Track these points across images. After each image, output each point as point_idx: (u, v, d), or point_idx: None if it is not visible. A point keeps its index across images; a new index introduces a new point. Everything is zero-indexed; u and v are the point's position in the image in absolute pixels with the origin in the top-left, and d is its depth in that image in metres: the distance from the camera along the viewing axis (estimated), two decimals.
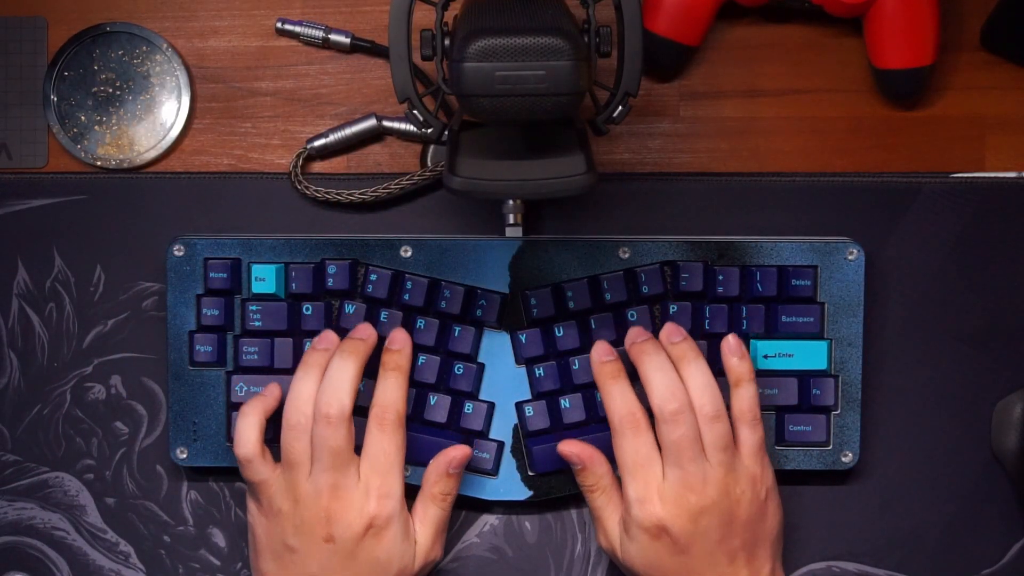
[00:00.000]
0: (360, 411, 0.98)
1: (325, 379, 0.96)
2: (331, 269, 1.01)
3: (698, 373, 0.96)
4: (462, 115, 0.96)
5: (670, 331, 0.99)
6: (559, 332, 1.02)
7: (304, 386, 0.96)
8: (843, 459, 1.02)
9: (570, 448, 0.98)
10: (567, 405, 1.02)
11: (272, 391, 0.99)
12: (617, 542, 0.97)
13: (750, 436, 0.96)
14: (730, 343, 0.98)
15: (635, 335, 0.99)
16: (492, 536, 1.05)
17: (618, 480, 0.98)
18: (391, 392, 0.97)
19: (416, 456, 1.01)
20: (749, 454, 0.96)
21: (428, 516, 0.98)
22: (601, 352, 0.98)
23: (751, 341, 1.02)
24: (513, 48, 0.84)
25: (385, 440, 0.95)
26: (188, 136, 1.06)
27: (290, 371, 1.02)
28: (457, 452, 0.98)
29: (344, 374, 0.96)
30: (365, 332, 0.99)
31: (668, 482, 0.95)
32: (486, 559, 1.05)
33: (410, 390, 1.01)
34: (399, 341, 0.99)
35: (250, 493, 0.98)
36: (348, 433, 0.95)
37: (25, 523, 1.05)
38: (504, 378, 1.03)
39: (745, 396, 0.97)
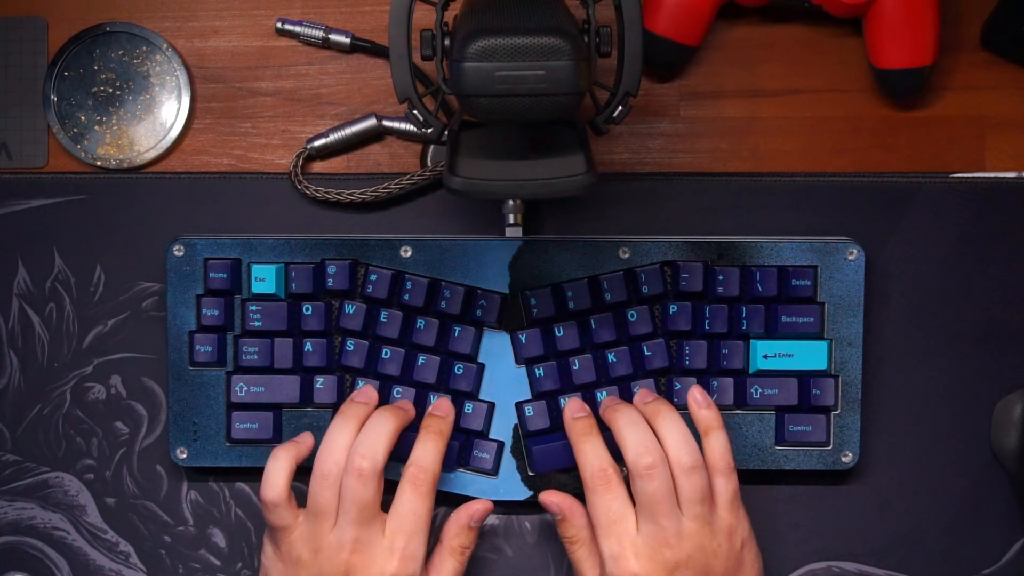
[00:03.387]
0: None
1: (363, 432, 0.95)
2: (331, 269, 1.01)
3: (673, 427, 0.96)
4: (462, 115, 0.96)
5: (642, 394, 1.00)
6: (559, 332, 1.02)
7: (340, 436, 0.96)
8: (843, 459, 1.02)
9: (551, 498, 0.98)
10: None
11: (305, 440, 0.99)
12: None
13: (725, 486, 0.96)
14: (695, 396, 0.98)
15: (607, 402, 1.00)
16: (492, 536, 1.05)
17: None
18: (430, 454, 0.96)
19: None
20: (724, 505, 0.96)
21: (445, 570, 0.98)
22: (574, 409, 0.99)
23: (751, 341, 1.02)
24: (513, 48, 0.84)
25: (417, 501, 0.95)
26: (188, 136, 1.06)
27: (290, 372, 1.02)
28: (479, 506, 0.98)
29: (383, 429, 0.95)
30: (409, 404, 1.00)
31: (642, 537, 0.94)
32: (486, 559, 1.05)
33: (409, 390, 1.01)
34: (444, 408, 1.00)
35: (269, 536, 0.98)
36: (378, 489, 0.95)
37: (25, 523, 1.05)
38: (504, 378, 1.03)
39: (716, 445, 0.96)
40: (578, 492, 1.02)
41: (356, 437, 0.96)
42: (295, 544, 0.95)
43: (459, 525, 0.98)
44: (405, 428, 0.98)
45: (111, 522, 1.05)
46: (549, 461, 1.01)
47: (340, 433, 0.96)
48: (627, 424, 0.96)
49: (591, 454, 0.96)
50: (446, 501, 1.05)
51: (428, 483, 0.95)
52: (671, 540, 0.94)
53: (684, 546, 0.94)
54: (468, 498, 1.04)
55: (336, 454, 0.95)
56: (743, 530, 0.96)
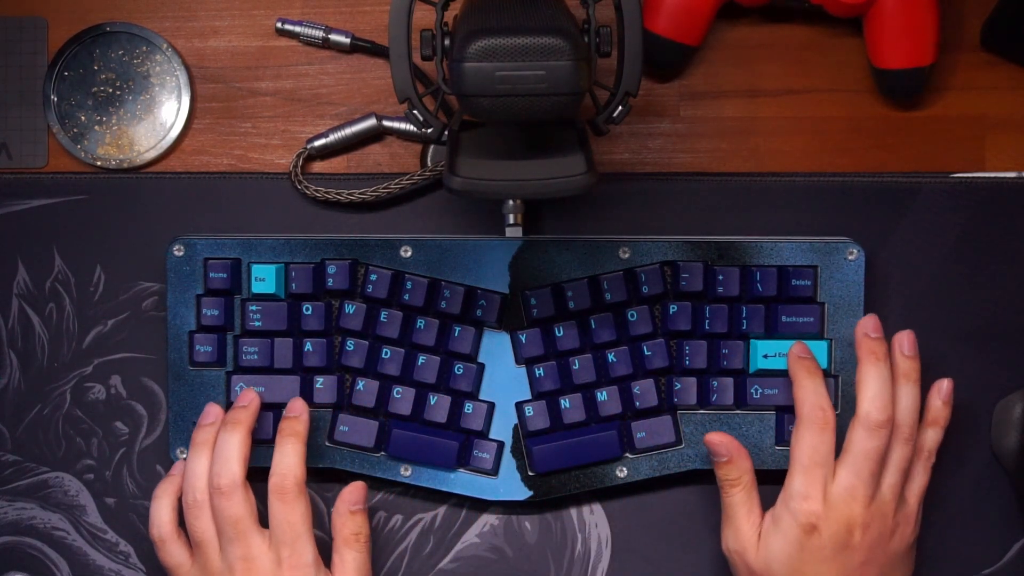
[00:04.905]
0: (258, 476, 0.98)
1: (215, 453, 0.96)
2: (331, 269, 1.01)
3: (911, 395, 0.96)
4: (462, 115, 0.96)
5: (905, 343, 0.98)
6: (559, 332, 1.02)
7: (196, 465, 0.97)
8: None
9: (718, 438, 0.97)
10: (567, 405, 1.02)
11: (180, 470, 1.00)
12: (754, 539, 0.96)
13: (920, 476, 0.97)
14: (946, 389, 0.98)
15: (870, 327, 0.98)
16: (492, 536, 1.05)
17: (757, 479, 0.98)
18: (288, 458, 0.96)
19: (416, 456, 1.01)
20: (914, 493, 0.97)
21: (347, 564, 0.97)
22: (799, 350, 0.99)
23: (751, 341, 1.02)
24: (513, 48, 0.84)
25: (287, 510, 0.95)
26: (188, 136, 1.06)
27: (290, 372, 1.02)
28: (353, 490, 0.98)
29: (231, 444, 0.96)
30: (247, 399, 0.99)
31: (837, 485, 0.94)
32: (486, 559, 1.05)
33: (409, 390, 1.01)
34: (297, 408, 0.99)
35: None
36: (244, 501, 0.95)
37: (25, 523, 1.05)
38: (504, 378, 1.03)
39: (934, 438, 0.98)
40: (577, 492, 1.03)
41: (210, 461, 0.97)
42: None
43: (341, 515, 0.98)
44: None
45: (111, 522, 1.05)
46: (549, 461, 1.01)
47: (196, 461, 0.97)
48: (876, 376, 0.95)
49: (812, 391, 0.96)
50: (446, 501, 1.05)
51: (293, 489, 0.95)
52: (863, 499, 0.94)
53: (872, 509, 0.94)
54: (468, 498, 1.04)
55: (196, 481, 0.96)
56: (917, 530, 0.98)
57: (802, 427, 0.95)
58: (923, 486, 0.97)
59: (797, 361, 0.98)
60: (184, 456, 1.02)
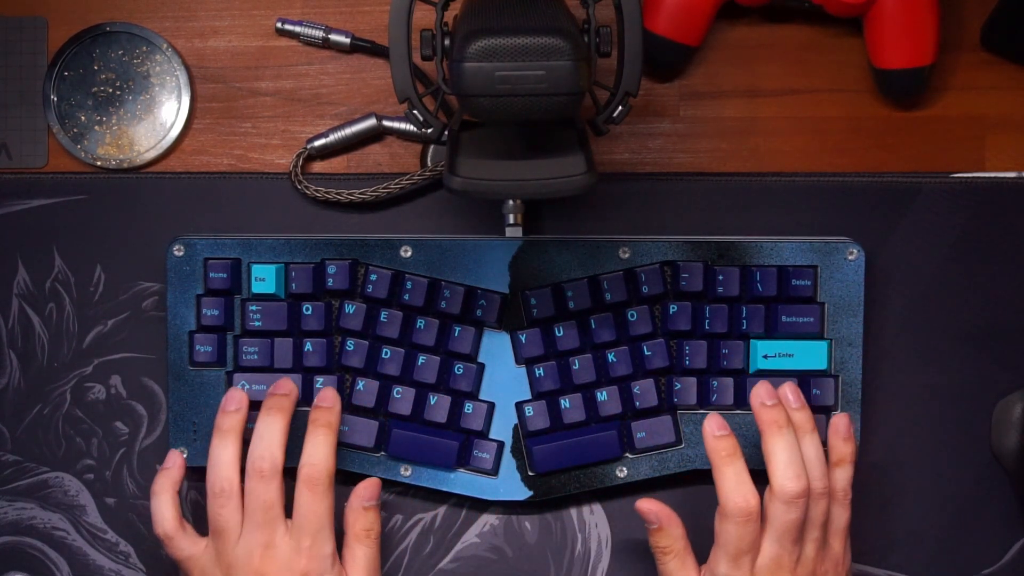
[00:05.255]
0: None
1: (255, 436, 0.96)
2: (331, 269, 1.01)
3: (811, 446, 0.95)
4: (462, 115, 0.96)
5: (790, 396, 0.97)
6: (559, 332, 1.02)
7: (223, 452, 0.96)
8: None
9: (647, 506, 0.97)
10: (567, 405, 1.02)
11: (175, 461, 0.99)
12: None
13: (841, 516, 0.96)
14: (839, 428, 0.97)
15: (763, 395, 0.96)
16: (492, 536, 1.05)
17: (689, 542, 0.97)
18: (321, 450, 0.96)
19: (416, 456, 1.01)
20: (836, 534, 0.96)
21: (357, 560, 0.97)
22: (715, 426, 0.95)
23: (751, 341, 1.02)
24: (513, 48, 0.84)
25: (315, 501, 0.95)
26: (188, 136, 1.06)
27: (290, 371, 1.02)
28: (367, 485, 0.98)
29: (274, 429, 0.96)
30: (287, 387, 0.99)
31: (764, 557, 0.94)
32: (486, 559, 1.05)
33: (409, 390, 1.01)
34: (329, 398, 0.98)
35: (181, 571, 0.98)
36: (280, 488, 0.95)
37: (25, 523, 1.05)
38: (504, 378, 1.03)
39: (844, 476, 0.97)
40: (578, 492, 1.03)
41: (238, 448, 0.96)
42: (206, 569, 0.96)
43: (354, 510, 0.98)
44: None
45: (111, 522, 1.05)
46: (549, 461, 1.01)
47: (222, 448, 0.96)
48: (784, 446, 0.94)
49: (734, 480, 0.94)
50: (446, 501, 1.05)
51: (323, 481, 0.95)
52: (789, 565, 0.94)
53: (799, 571, 0.94)
54: (468, 498, 1.04)
55: (225, 470, 0.96)
56: (847, 563, 0.97)
57: (727, 519, 0.94)
58: (845, 524, 0.97)
59: (714, 442, 0.95)
60: (184, 452, 1.02)
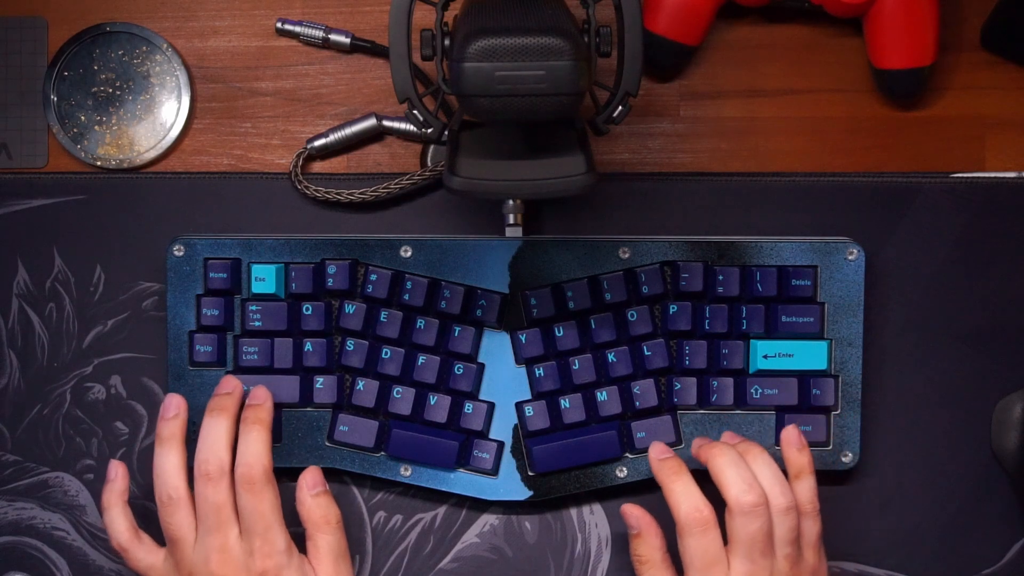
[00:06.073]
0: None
1: (200, 439, 0.96)
2: (331, 269, 1.01)
3: (767, 467, 0.95)
4: (462, 115, 0.96)
5: (729, 435, 0.99)
6: (559, 332, 1.02)
7: (166, 460, 0.96)
8: (843, 459, 1.02)
9: (631, 510, 0.97)
10: (567, 405, 1.02)
11: (117, 472, 0.98)
12: None
13: (811, 528, 0.96)
14: (791, 438, 0.97)
15: (700, 441, 0.98)
16: (492, 536, 1.05)
17: (670, 557, 0.97)
18: (253, 447, 0.96)
19: (416, 456, 1.01)
20: (809, 546, 0.96)
21: (320, 549, 0.97)
22: (658, 451, 0.97)
23: (751, 341, 1.02)
24: (513, 48, 0.84)
25: (256, 500, 0.95)
26: (188, 136, 1.06)
27: (290, 371, 1.02)
28: (309, 474, 0.97)
29: (218, 429, 0.96)
30: (230, 386, 0.99)
31: (734, 574, 0.94)
32: (486, 559, 1.05)
33: (409, 390, 1.01)
34: (260, 396, 0.99)
35: None
36: (229, 488, 0.95)
37: (25, 523, 1.05)
38: (504, 378, 1.03)
39: (806, 488, 0.96)
40: (578, 492, 1.03)
41: (181, 454, 0.96)
42: None
43: (304, 503, 0.97)
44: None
45: None
46: (549, 461, 1.02)
47: (165, 457, 0.96)
48: (728, 463, 0.94)
49: (684, 493, 0.94)
50: (446, 501, 1.05)
51: (260, 478, 0.95)
52: None
53: None
54: (468, 498, 1.04)
55: (170, 478, 0.96)
56: (823, 572, 0.97)
57: (685, 534, 0.94)
58: (817, 535, 0.96)
59: (659, 464, 0.96)
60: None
